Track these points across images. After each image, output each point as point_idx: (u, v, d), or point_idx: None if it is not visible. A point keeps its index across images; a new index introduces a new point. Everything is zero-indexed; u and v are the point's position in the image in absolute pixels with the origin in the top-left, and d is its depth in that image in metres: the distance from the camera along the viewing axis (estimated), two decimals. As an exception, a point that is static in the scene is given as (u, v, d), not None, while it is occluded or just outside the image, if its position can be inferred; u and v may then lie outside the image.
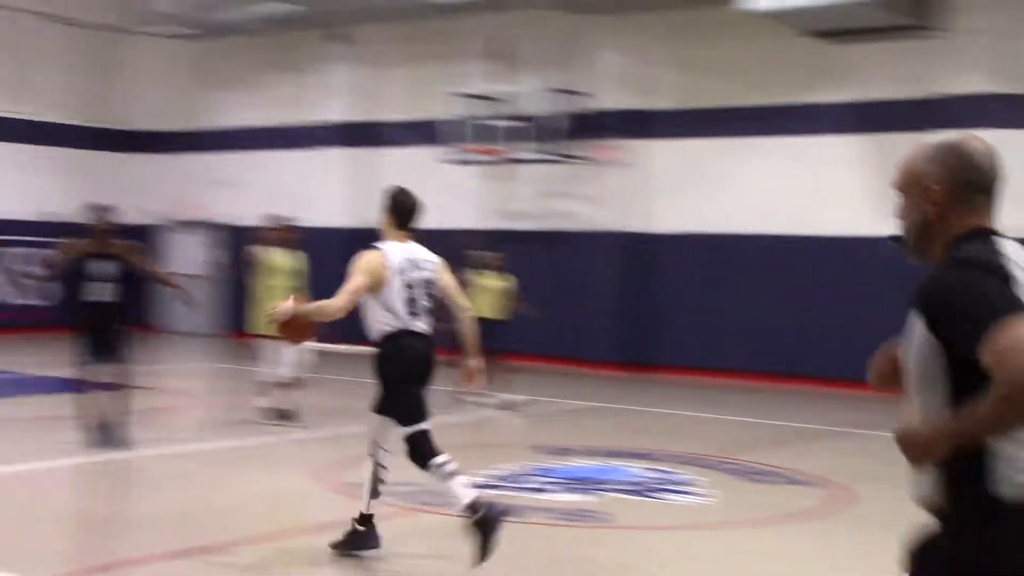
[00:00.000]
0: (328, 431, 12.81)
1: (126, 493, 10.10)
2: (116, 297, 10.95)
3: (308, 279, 13.50)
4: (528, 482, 10.00)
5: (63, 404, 11.88)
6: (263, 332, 12.43)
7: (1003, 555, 2.94)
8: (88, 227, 11.22)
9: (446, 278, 7.60)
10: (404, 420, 7.29)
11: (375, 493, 7.43)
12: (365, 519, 7.42)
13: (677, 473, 10.67)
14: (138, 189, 25.32)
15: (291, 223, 14.13)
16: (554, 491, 9.64)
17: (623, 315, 19.85)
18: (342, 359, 15.49)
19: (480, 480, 9.79)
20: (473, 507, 6.97)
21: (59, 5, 23.83)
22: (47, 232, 23.40)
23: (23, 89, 23.91)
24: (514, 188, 20.75)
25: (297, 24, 22.02)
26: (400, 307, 7.27)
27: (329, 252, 22.29)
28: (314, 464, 10.60)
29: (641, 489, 9.90)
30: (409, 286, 7.31)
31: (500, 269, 15.42)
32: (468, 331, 7.62)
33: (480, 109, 20.36)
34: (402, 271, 7.31)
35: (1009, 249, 3.05)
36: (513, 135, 19.82)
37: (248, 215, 23.81)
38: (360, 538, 7.42)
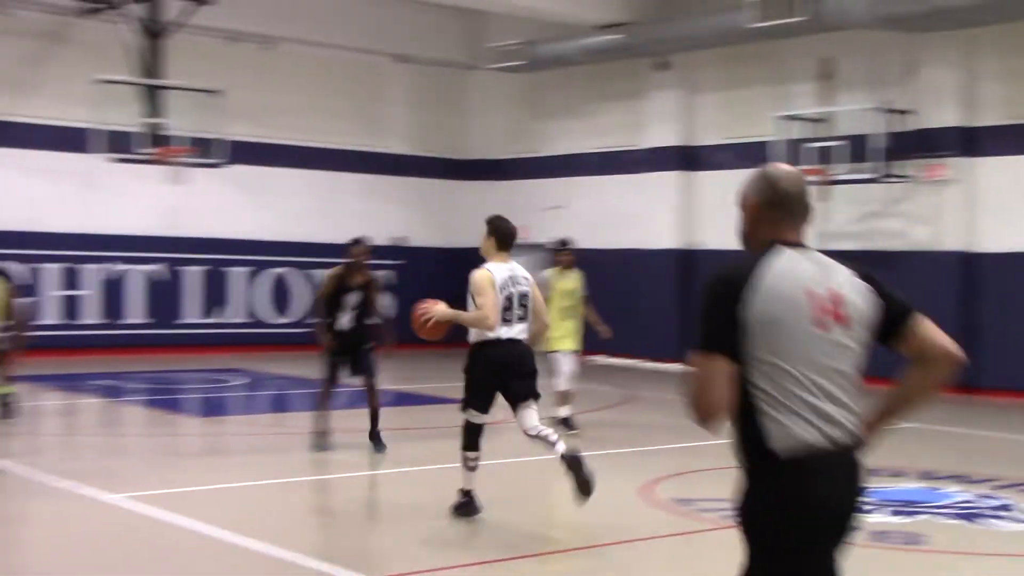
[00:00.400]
0: (651, 447, 13.14)
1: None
2: (357, 323, 11.71)
3: (583, 298, 14.39)
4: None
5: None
6: (553, 347, 13.39)
7: (778, 503, 3.63)
8: (350, 258, 12.00)
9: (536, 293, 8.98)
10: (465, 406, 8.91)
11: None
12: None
13: (999, 497, 10.42)
14: (475, 214, 26.49)
15: (571, 246, 14.59)
16: (879, 512, 9.58)
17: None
18: (649, 377, 15.77)
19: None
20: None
21: (407, 47, 25.38)
22: (395, 255, 24.93)
23: (373, 124, 25.53)
24: (834, 208, 20.52)
25: (622, 53, 22.51)
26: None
27: (657, 273, 22.84)
28: (639, 479, 10.88)
29: (961, 513, 9.73)
30: (508, 299, 8.65)
31: None
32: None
33: (804, 130, 20.26)
34: (503, 287, 8.65)
35: (780, 261, 3.70)
36: (836, 155, 19.60)
37: (579, 238, 24.63)
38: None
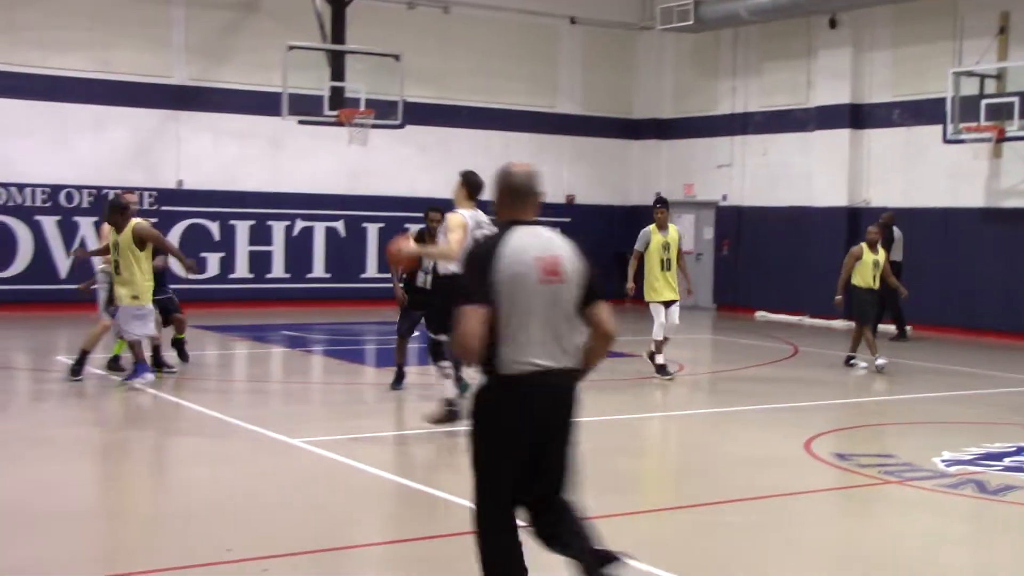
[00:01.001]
0: (813, 402, 12.96)
1: (631, 449, 10.65)
2: (432, 282, 11.77)
3: (679, 253, 14.35)
4: (1012, 461, 9.71)
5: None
6: (650, 298, 14.14)
7: (508, 403, 5.03)
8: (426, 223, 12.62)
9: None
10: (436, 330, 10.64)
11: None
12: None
13: None
14: (644, 173, 26.44)
15: (665, 204, 14.91)
16: (1036, 471, 9.30)
17: None
18: (816, 333, 15.47)
19: (964, 457, 9.67)
20: (449, 402, 10.28)
21: (579, 8, 25.31)
22: (561, 213, 24.98)
23: (545, 85, 25.54)
24: (1007, 166, 19.76)
25: (792, 12, 22.03)
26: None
27: (825, 230, 22.39)
28: (805, 433, 10.70)
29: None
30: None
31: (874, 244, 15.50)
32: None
33: (976, 86, 19.55)
34: (473, 230, 9.86)
35: (515, 236, 5.04)
36: (1009, 112, 18.86)
37: (745, 196, 24.32)
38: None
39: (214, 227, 22.01)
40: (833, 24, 22.27)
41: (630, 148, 26.61)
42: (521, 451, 5.08)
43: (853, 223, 21.87)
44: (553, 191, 25.59)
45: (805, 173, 22.93)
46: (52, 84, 20.64)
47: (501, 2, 24.45)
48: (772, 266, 23.51)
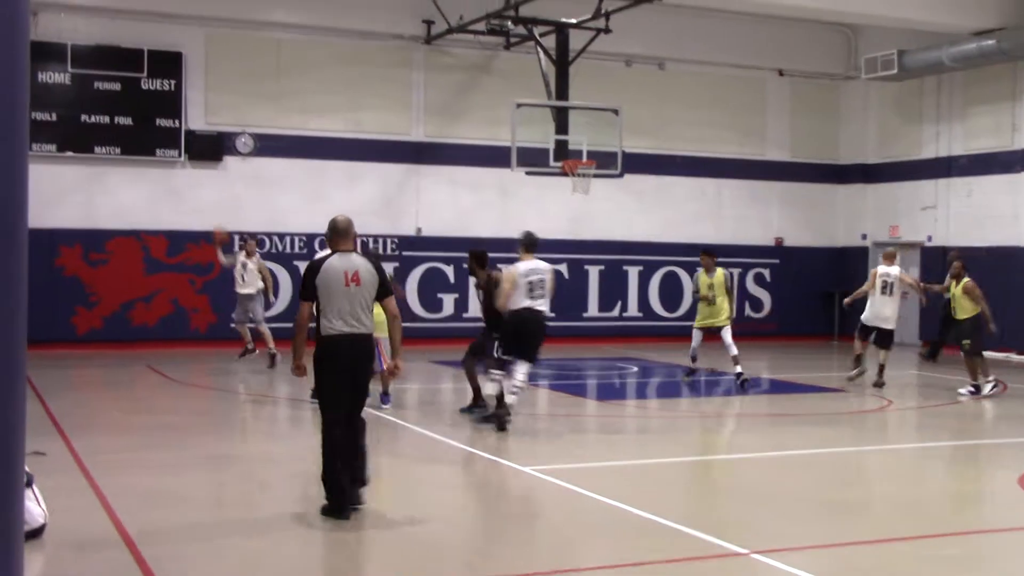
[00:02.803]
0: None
1: (844, 480, 10.30)
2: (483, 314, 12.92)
3: (727, 290, 16.04)
4: None
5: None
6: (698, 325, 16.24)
7: (326, 354, 7.93)
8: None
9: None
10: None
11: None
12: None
13: None
14: (850, 215, 25.73)
15: (712, 253, 16.67)
16: None
17: None
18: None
19: None
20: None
21: (787, 61, 24.88)
22: (769, 255, 24.52)
23: (755, 134, 25.19)
24: None
25: (995, 58, 21.10)
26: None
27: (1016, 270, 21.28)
28: (1018, 469, 10.10)
29: None
30: (531, 283, 11.82)
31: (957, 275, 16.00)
32: None
33: None
34: (524, 276, 11.78)
35: (333, 258, 8.02)
36: None
37: (951, 237, 23.33)
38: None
39: (449, 270, 22.48)
40: (1035, 69, 21.26)
41: (836, 192, 25.95)
42: (341, 377, 7.93)
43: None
44: (763, 234, 25.23)
45: (1012, 214, 21.87)
46: (311, 144, 21.56)
47: (712, 57, 24.27)
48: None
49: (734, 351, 15.74)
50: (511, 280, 11.79)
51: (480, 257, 13.16)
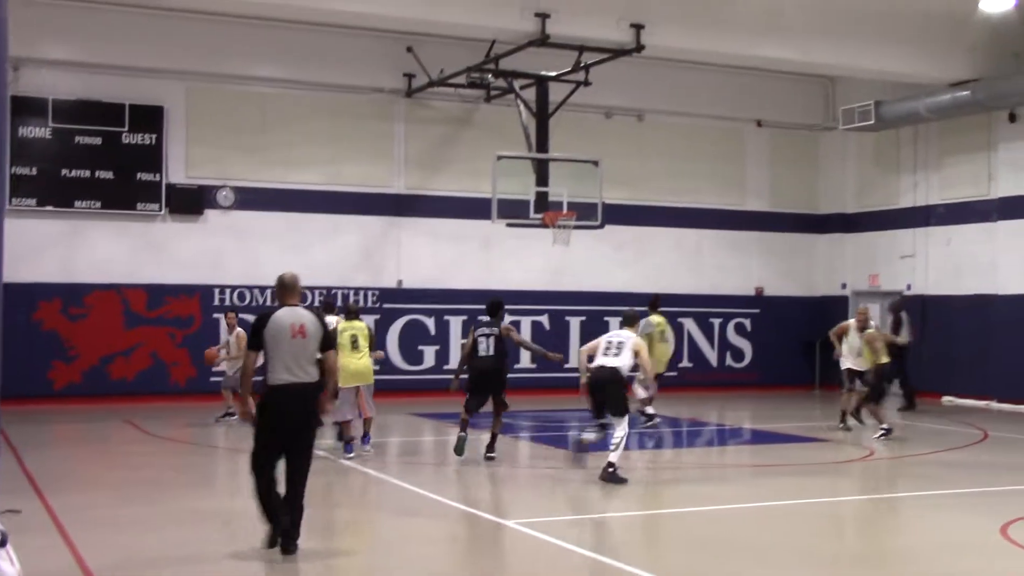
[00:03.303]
0: (1013, 487, 12.25)
1: (830, 531, 10.23)
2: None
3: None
4: None
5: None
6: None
7: (270, 403, 8.36)
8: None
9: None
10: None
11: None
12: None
13: None
14: (829, 265, 25.86)
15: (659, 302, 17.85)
16: None
17: None
18: (1004, 418, 14.66)
19: None
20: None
21: (765, 112, 25.14)
22: (750, 305, 24.58)
23: (734, 184, 25.34)
24: None
25: (971, 109, 21.32)
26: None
27: (1010, 318, 21.37)
28: (1001, 518, 10.07)
29: None
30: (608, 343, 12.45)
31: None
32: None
33: None
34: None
35: (280, 312, 8.45)
36: None
37: (930, 285, 23.44)
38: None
39: (430, 322, 22.45)
40: (1013, 118, 21.46)
41: (816, 242, 26.08)
42: (282, 424, 8.34)
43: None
44: (743, 284, 25.29)
45: (990, 262, 22.00)
46: (292, 197, 21.58)
47: (691, 108, 24.46)
48: (958, 352, 22.54)
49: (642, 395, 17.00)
50: (593, 343, 12.64)
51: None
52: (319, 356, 8.49)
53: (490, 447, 13.48)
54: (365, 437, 14.06)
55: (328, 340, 8.54)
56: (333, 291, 21.33)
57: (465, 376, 13.77)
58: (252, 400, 8.60)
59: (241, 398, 8.66)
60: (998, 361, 21.02)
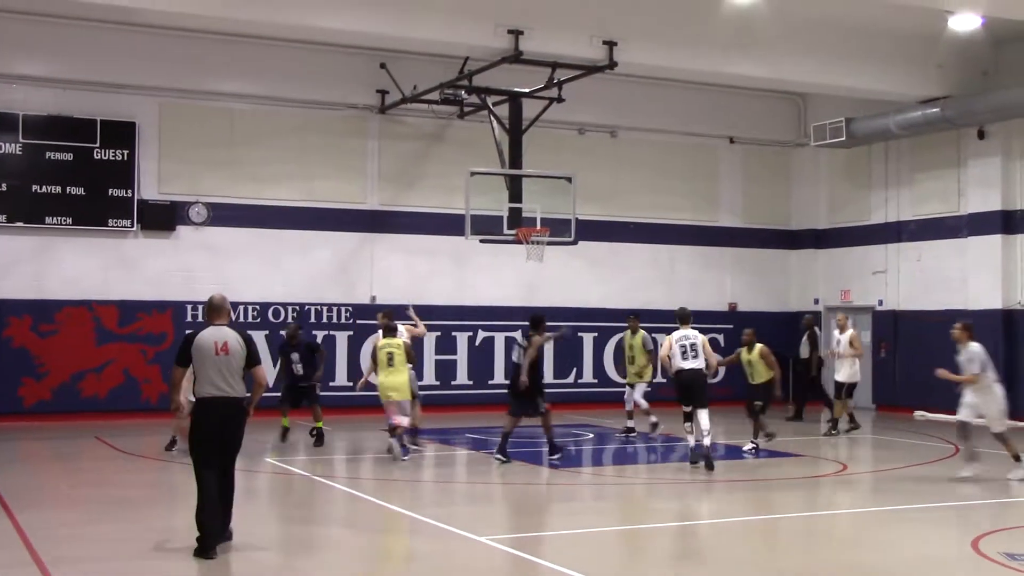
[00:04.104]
0: (983, 501, 12.31)
1: (799, 547, 10.24)
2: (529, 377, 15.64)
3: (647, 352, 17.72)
4: None
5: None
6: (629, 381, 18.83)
7: (199, 417, 9.08)
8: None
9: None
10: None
11: None
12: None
13: None
14: (802, 280, 25.96)
15: (636, 316, 19.39)
16: None
17: None
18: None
19: None
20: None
21: (738, 129, 25.27)
22: (723, 320, 24.66)
23: (707, 200, 25.43)
24: None
25: (941, 125, 21.47)
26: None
27: (980, 333, 21.42)
28: (972, 532, 10.13)
29: None
30: (683, 347, 14.50)
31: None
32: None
33: None
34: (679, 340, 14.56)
35: (206, 331, 9.17)
36: None
37: (901, 300, 23.56)
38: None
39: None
40: (982, 135, 21.63)
41: (789, 257, 26.19)
42: (210, 434, 8.98)
43: (1009, 325, 21.00)
44: (717, 299, 25.36)
45: (960, 278, 22.15)
46: (265, 213, 21.50)
47: (664, 125, 24.55)
48: (929, 367, 22.53)
49: (629, 407, 18.19)
50: (668, 345, 14.48)
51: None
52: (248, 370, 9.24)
53: (551, 450, 15.23)
54: (403, 448, 14.94)
55: (253, 356, 9.18)
56: (307, 307, 21.30)
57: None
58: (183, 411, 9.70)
59: (173, 409, 9.68)
60: (969, 376, 21.07)
